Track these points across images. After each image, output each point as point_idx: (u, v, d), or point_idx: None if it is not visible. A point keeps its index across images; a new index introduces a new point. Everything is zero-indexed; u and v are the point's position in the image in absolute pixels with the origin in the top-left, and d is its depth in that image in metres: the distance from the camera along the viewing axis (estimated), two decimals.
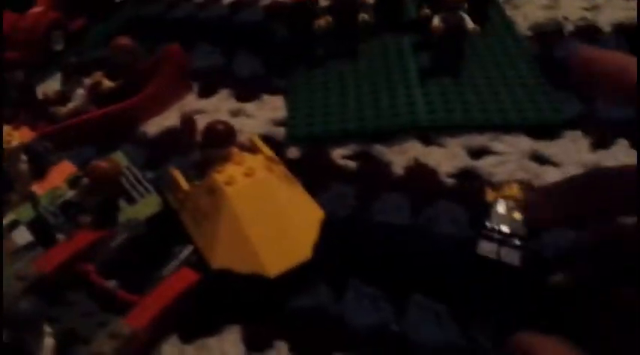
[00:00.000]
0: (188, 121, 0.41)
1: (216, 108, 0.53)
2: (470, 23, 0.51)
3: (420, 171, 0.45)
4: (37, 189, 0.43)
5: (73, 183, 0.40)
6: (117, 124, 0.50)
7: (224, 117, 0.52)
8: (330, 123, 0.50)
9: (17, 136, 0.40)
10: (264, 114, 0.53)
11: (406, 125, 0.48)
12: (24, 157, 0.41)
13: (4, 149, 0.39)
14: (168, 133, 0.51)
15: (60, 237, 0.39)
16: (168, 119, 0.53)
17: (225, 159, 0.40)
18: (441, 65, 0.53)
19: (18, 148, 0.40)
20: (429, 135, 0.48)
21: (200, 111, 0.53)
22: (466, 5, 0.51)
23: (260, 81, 0.57)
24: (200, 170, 0.41)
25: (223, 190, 0.38)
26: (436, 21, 0.51)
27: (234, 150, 0.40)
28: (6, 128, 0.41)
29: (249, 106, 0.54)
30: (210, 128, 0.39)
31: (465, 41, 0.52)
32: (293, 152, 0.48)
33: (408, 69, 0.54)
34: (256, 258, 0.36)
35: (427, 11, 0.55)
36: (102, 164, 0.38)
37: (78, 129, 0.48)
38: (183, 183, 0.41)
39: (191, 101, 0.55)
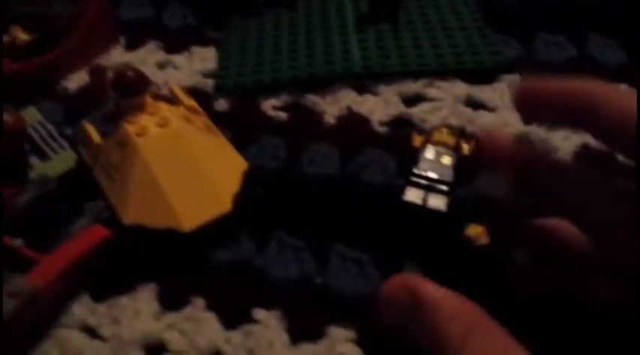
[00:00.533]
0: (97, 72, 0.38)
1: (142, 60, 0.50)
2: None
3: (352, 120, 0.43)
4: None
5: None
6: (34, 80, 0.47)
7: (149, 69, 0.49)
8: (262, 73, 0.47)
9: None
10: (193, 65, 0.50)
11: (340, 73, 0.46)
12: None
13: None
14: (87, 87, 0.48)
15: None
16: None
17: (138, 109, 0.37)
18: (379, 10, 0.51)
19: None
20: (363, 84, 0.46)
21: (125, 64, 0.50)
22: None
23: (191, 32, 0.54)
24: (113, 121, 0.39)
25: (134, 141, 0.35)
26: None
27: (148, 99, 0.38)
28: None
29: (177, 58, 0.51)
30: (120, 76, 0.37)
31: None
32: (222, 104, 0.46)
33: (345, 16, 0.52)
34: (170, 211, 0.34)
35: None
36: (4, 117, 0.35)
37: None
38: (95, 137, 0.38)
39: (116, 54, 0.52)
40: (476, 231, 0.28)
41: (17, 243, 0.33)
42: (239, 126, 0.43)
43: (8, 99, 0.46)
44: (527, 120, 0.31)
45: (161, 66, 0.50)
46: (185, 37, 0.53)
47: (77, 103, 0.46)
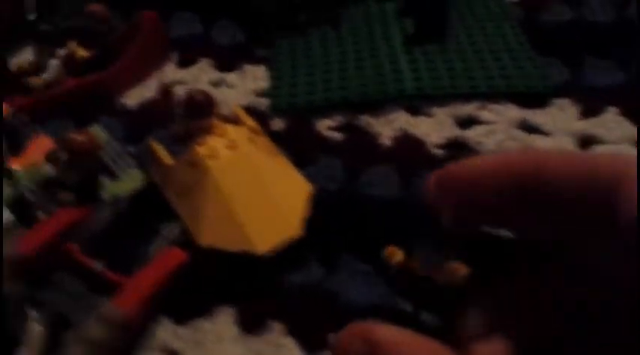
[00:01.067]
0: (165, 92, 0.40)
1: (195, 78, 0.52)
2: None
3: (407, 142, 0.44)
4: (15, 165, 0.41)
5: (51, 158, 0.39)
6: (93, 95, 0.48)
7: (204, 87, 0.51)
8: (314, 93, 0.48)
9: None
10: (246, 84, 0.51)
11: (392, 94, 0.47)
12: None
13: None
14: (148, 104, 0.49)
15: (41, 215, 0.37)
16: (147, 90, 0.51)
17: (207, 130, 0.38)
18: (426, 31, 0.52)
19: None
20: (415, 105, 0.47)
21: (179, 82, 0.52)
22: None
23: (241, 50, 0.55)
24: (181, 142, 0.40)
25: (206, 164, 0.36)
26: None
27: (216, 121, 0.39)
28: None
29: (230, 76, 0.52)
30: (190, 98, 0.38)
31: (449, 6, 0.51)
32: (277, 124, 0.47)
33: (392, 35, 0.53)
34: (244, 234, 0.35)
35: None
36: (78, 137, 0.36)
37: (53, 101, 0.46)
38: (166, 157, 0.40)
39: (170, 71, 0.53)
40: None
41: (99, 265, 0.35)
42: (295, 146, 0.44)
43: (68, 116, 0.48)
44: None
45: (215, 84, 0.51)
46: (236, 55, 0.54)
47: (138, 120, 0.48)
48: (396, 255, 0.26)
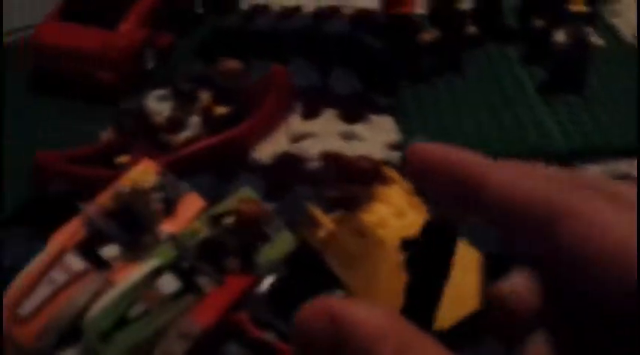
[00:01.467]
0: (333, 158, 0.39)
1: (325, 130, 0.51)
2: (596, 38, 0.48)
3: None
4: (169, 227, 0.41)
5: (212, 221, 0.38)
6: (232, 151, 0.48)
7: (335, 140, 0.50)
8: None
9: (151, 173, 0.38)
10: (376, 136, 0.50)
11: (538, 149, 0.46)
12: (156, 195, 0.39)
13: (137, 189, 0.38)
14: (283, 160, 0.49)
15: (203, 281, 0.37)
16: (276, 144, 0.51)
17: (372, 197, 0.37)
18: (563, 81, 0.50)
19: (153, 189, 0.38)
20: (563, 162, 0.45)
21: (309, 135, 0.51)
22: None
23: (362, 99, 0.54)
24: (338, 207, 0.39)
25: (378, 235, 0.35)
26: (561, 35, 0.48)
27: (379, 187, 0.38)
28: (139, 167, 0.39)
29: (358, 128, 0.51)
30: (356, 165, 0.37)
31: (588, 56, 0.50)
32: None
33: (523, 83, 0.52)
34: None
35: (541, 22, 0.52)
36: (251, 206, 0.36)
37: (195, 157, 0.46)
38: (327, 222, 0.39)
39: (296, 123, 0.53)
40: None
41: (270, 336, 0.34)
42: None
43: (207, 173, 0.47)
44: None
45: (345, 136, 0.51)
46: (357, 105, 0.54)
47: (276, 177, 0.47)
48: None
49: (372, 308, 0.14)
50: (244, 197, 0.38)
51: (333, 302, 0.16)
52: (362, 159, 0.36)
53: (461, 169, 0.15)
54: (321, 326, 0.15)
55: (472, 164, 0.15)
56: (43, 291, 0.37)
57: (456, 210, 0.16)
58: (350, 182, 0.38)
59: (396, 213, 0.36)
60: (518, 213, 0.13)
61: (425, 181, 0.16)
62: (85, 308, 0.36)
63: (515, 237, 0.14)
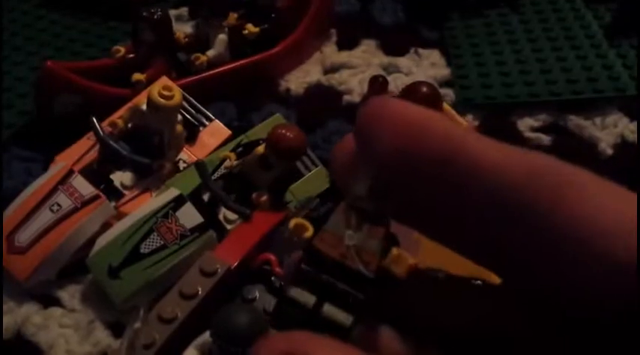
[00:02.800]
0: (377, 82, 0.34)
1: (365, 62, 0.46)
2: None
3: (630, 153, 0.38)
4: (190, 155, 0.36)
5: (241, 150, 0.33)
6: (260, 77, 0.43)
7: (375, 73, 0.45)
8: (513, 86, 0.42)
9: (176, 91, 0.32)
10: (423, 71, 0.45)
11: (607, 92, 0.40)
12: (177, 118, 0.34)
13: (156, 108, 0.32)
14: (316, 92, 0.43)
15: (227, 216, 0.32)
16: (309, 74, 0.45)
17: None
18: (630, 21, 0.45)
19: (176, 107, 0.32)
20: (633, 106, 0.40)
21: (346, 66, 0.46)
22: None
23: (406, 31, 0.49)
24: None
25: None
26: None
27: None
28: (162, 80, 0.33)
29: (402, 61, 0.46)
30: (412, 91, 0.32)
31: None
32: (469, 119, 0.41)
33: (589, 24, 0.46)
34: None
35: None
36: (288, 133, 0.30)
37: (218, 82, 0.41)
38: None
39: (331, 53, 0.47)
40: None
41: None
42: None
43: (229, 100, 0.42)
44: None
45: (387, 69, 0.45)
46: (401, 37, 0.48)
47: (309, 110, 0.42)
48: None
49: (347, 350, 0.11)
50: (279, 123, 0.33)
51: (303, 341, 0.11)
52: (422, 84, 0.31)
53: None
54: None
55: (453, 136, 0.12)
56: (43, 218, 0.32)
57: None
58: None
59: None
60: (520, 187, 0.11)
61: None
62: (92, 240, 0.32)
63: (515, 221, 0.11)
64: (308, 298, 0.12)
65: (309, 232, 0.14)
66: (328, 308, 0.12)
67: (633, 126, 0.39)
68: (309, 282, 0.12)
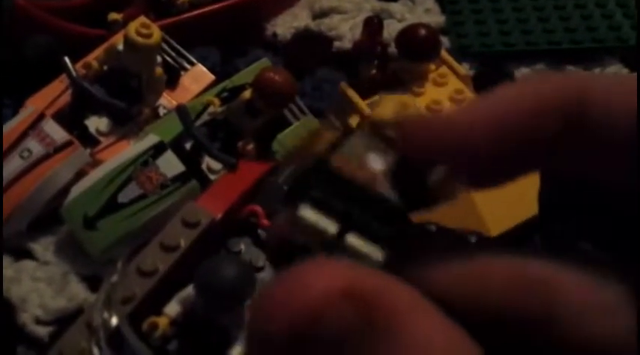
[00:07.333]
0: (373, 24, 0.32)
1: (357, 7, 0.43)
2: None
3: None
4: (170, 100, 0.34)
5: (225, 95, 0.31)
6: (244, 20, 0.40)
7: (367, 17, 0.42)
8: (510, 34, 0.40)
9: (155, 30, 0.30)
10: (417, 17, 0.43)
11: (607, 42, 0.39)
12: (156, 58, 0.32)
13: (134, 48, 0.30)
14: (304, 37, 0.41)
15: (211, 165, 0.30)
16: (297, 18, 0.43)
17: (423, 77, 0.31)
18: None
19: (155, 46, 0.30)
20: (632, 57, 0.39)
21: (336, 10, 0.43)
22: None
23: None
24: (378, 88, 0.32)
25: None
26: None
27: (432, 66, 0.31)
28: (141, 19, 0.31)
29: (395, 7, 0.44)
30: (411, 34, 0.30)
31: None
32: (465, 68, 0.39)
33: None
34: (477, 215, 0.28)
35: None
36: (277, 77, 0.28)
37: (199, 24, 0.38)
38: (363, 106, 0.32)
39: None
40: None
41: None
42: None
43: (212, 44, 0.40)
44: None
45: (379, 15, 0.43)
46: None
47: (296, 55, 0.40)
48: None
49: (436, 313, 0.09)
50: (266, 67, 0.31)
51: (371, 279, 0.09)
52: (420, 27, 0.29)
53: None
54: (343, 314, 0.08)
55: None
56: (13, 165, 0.30)
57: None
58: (405, 57, 0.31)
59: (453, 97, 0.30)
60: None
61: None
62: (66, 189, 0.30)
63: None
64: (327, 224, 0.09)
65: (321, 144, 0.11)
66: (353, 239, 0.10)
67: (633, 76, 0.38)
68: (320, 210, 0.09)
